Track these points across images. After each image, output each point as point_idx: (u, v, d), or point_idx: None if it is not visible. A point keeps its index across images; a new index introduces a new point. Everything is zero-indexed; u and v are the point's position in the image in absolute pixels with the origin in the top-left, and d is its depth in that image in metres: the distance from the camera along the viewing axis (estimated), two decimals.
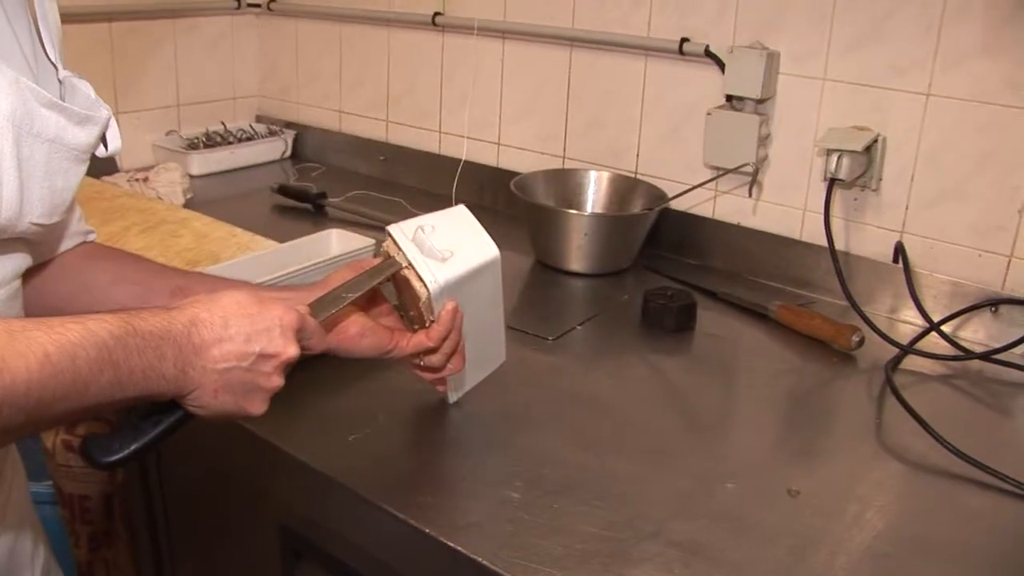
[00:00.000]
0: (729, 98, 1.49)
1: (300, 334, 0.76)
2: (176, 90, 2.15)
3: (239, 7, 2.22)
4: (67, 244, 0.89)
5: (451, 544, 0.81)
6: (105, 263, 0.91)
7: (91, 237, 0.93)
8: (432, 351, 0.92)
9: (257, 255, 1.27)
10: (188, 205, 1.76)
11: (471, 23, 1.82)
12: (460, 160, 1.87)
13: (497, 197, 1.85)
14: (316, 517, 0.97)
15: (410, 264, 0.88)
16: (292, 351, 0.75)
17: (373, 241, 1.30)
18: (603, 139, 1.70)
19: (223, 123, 2.20)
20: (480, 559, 0.79)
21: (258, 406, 0.76)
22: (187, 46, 2.15)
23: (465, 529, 0.83)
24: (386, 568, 0.91)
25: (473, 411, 1.04)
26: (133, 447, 0.73)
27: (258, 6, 2.25)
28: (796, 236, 1.49)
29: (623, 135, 1.67)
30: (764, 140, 1.47)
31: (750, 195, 1.51)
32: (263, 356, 0.73)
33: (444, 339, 0.91)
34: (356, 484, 0.89)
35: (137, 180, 1.75)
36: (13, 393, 0.58)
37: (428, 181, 1.95)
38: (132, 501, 1.31)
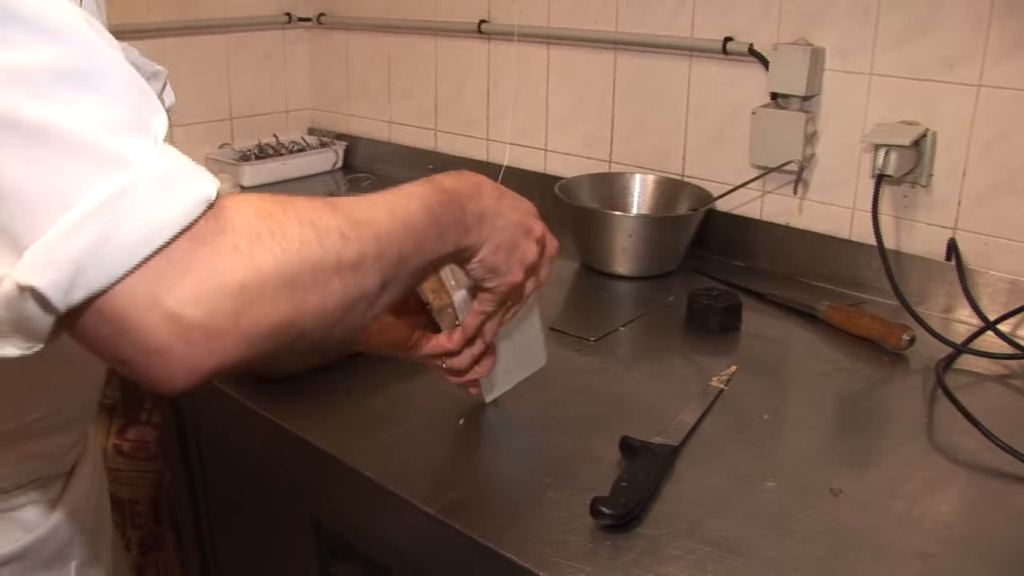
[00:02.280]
0: (774, 96, 1.46)
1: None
2: (228, 104, 2.19)
3: (290, 22, 2.26)
4: None
5: (482, 541, 0.80)
6: None
7: None
8: (453, 354, 0.90)
9: None
10: None
11: (514, 30, 1.82)
12: (508, 167, 1.87)
13: (544, 202, 1.84)
14: (352, 515, 0.98)
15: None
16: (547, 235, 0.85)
17: None
18: (649, 142, 1.69)
19: (275, 135, 2.24)
20: (511, 555, 0.78)
21: (519, 273, 0.81)
22: (239, 60, 2.19)
23: (498, 527, 0.82)
24: (419, 565, 0.91)
25: (510, 411, 1.03)
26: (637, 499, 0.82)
27: (309, 20, 2.28)
28: (845, 235, 1.46)
29: (669, 137, 1.65)
30: (810, 138, 1.45)
31: (795, 193, 1.48)
32: (526, 227, 0.81)
33: (466, 344, 0.89)
34: (390, 481, 0.89)
35: None
36: (379, 244, 0.60)
37: None
38: (178, 503, 1.33)
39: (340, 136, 2.29)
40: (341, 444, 0.95)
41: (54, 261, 0.46)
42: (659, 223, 1.51)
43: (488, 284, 0.80)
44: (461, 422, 1.00)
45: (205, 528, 1.29)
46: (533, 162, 1.89)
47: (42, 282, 0.46)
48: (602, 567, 0.77)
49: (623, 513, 0.80)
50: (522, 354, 1.01)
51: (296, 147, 2.22)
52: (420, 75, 2.08)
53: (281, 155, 2.16)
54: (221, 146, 2.17)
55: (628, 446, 0.91)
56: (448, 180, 0.73)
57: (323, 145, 2.25)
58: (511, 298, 0.84)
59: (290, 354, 0.62)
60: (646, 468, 0.86)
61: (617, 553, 0.79)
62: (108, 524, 0.97)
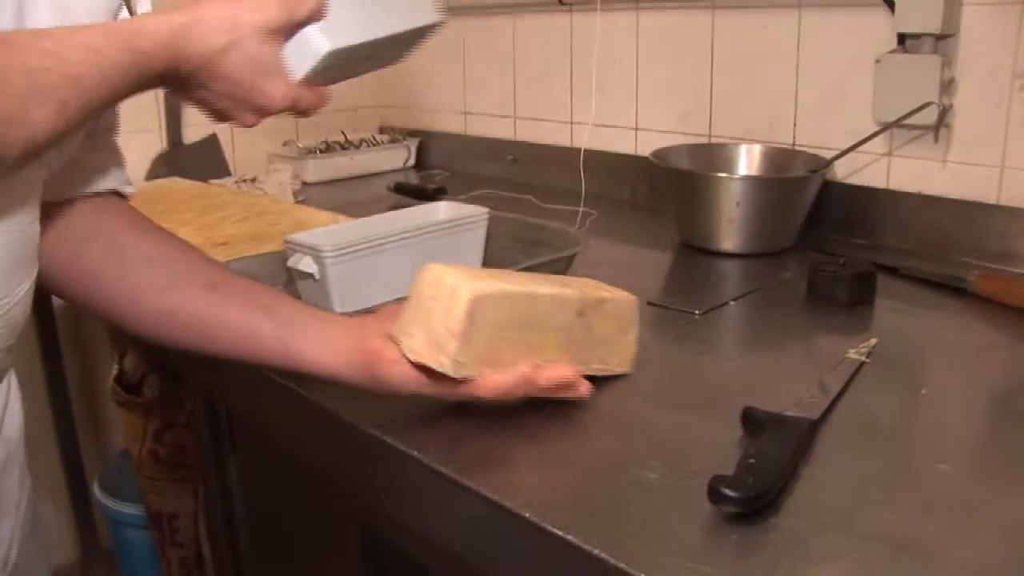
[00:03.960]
0: (902, 39, 1.25)
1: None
2: None
3: None
4: (97, 183, 0.76)
5: (562, 535, 0.61)
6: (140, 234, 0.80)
7: (128, 190, 0.81)
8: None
9: (360, 221, 1.13)
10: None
11: None
12: (593, 151, 1.69)
13: (637, 189, 1.67)
14: (407, 517, 0.79)
15: None
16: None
17: (486, 210, 1.14)
18: (755, 110, 1.49)
19: (343, 132, 2.10)
20: (603, 554, 0.59)
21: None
22: None
23: (588, 521, 0.63)
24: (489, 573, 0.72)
25: (597, 391, 0.84)
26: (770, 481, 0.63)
27: None
28: (992, 200, 1.23)
29: (778, 103, 1.45)
30: (947, 86, 1.23)
31: (936, 141, 1.26)
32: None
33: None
34: (459, 471, 0.70)
35: (245, 181, 1.65)
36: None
37: (561, 177, 1.77)
38: (213, 514, 1.17)
39: (413, 133, 2.14)
40: (398, 430, 0.77)
41: None
42: (771, 186, 1.29)
43: None
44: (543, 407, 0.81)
45: (243, 538, 1.12)
46: (623, 143, 1.70)
47: None
48: (726, 568, 0.57)
49: (753, 497, 0.60)
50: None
51: (365, 145, 2.08)
52: (498, 59, 1.92)
53: (347, 151, 2.02)
54: (285, 143, 2.04)
55: (753, 419, 0.71)
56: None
57: (394, 142, 2.10)
58: None
59: None
60: (779, 444, 0.66)
61: (746, 550, 0.59)
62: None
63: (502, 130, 1.95)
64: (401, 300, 0.75)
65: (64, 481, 1.90)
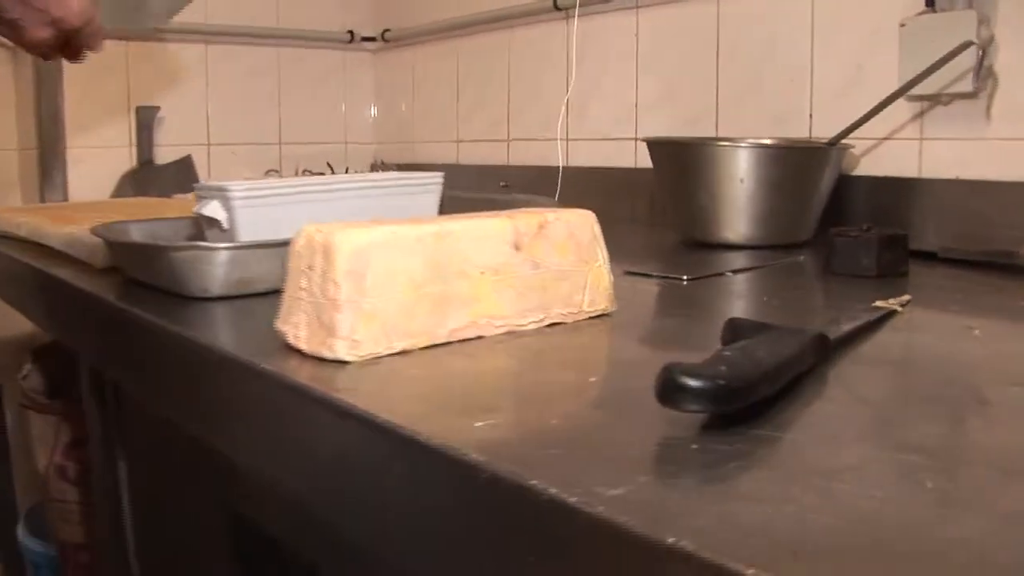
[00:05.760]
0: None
1: None
2: (278, 126, 1.94)
3: (352, 40, 2.01)
4: None
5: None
6: None
7: None
8: None
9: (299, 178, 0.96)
10: None
11: None
12: (590, 168, 1.53)
13: (636, 204, 1.50)
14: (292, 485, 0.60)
15: None
16: None
17: (440, 173, 0.98)
18: (766, 104, 1.33)
19: (329, 165, 1.96)
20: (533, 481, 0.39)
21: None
22: (293, 79, 1.94)
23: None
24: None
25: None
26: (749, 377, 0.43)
27: (373, 40, 2.03)
28: None
29: (791, 92, 1.29)
30: (986, 46, 1.06)
31: (984, 111, 1.08)
32: None
33: None
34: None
35: None
36: None
37: (555, 197, 1.61)
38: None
39: (404, 167, 2.00)
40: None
41: None
42: (783, 158, 1.10)
43: None
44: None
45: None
46: (623, 157, 1.54)
47: None
48: (687, 487, 0.37)
49: (724, 390, 0.40)
50: None
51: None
52: (492, 77, 1.79)
53: None
54: (267, 172, 1.90)
55: (738, 329, 0.52)
56: None
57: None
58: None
59: None
60: (770, 347, 0.47)
61: (717, 459, 0.39)
62: None
63: (495, 155, 1.80)
64: None
65: None
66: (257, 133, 1.91)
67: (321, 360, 0.54)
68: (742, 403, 0.41)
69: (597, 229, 0.66)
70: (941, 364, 0.56)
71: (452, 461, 0.38)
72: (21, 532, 1.44)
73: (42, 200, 1.68)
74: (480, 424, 0.43)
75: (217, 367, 0.60)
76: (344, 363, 0.53)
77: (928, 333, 0.66)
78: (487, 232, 0.59)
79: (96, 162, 1.68)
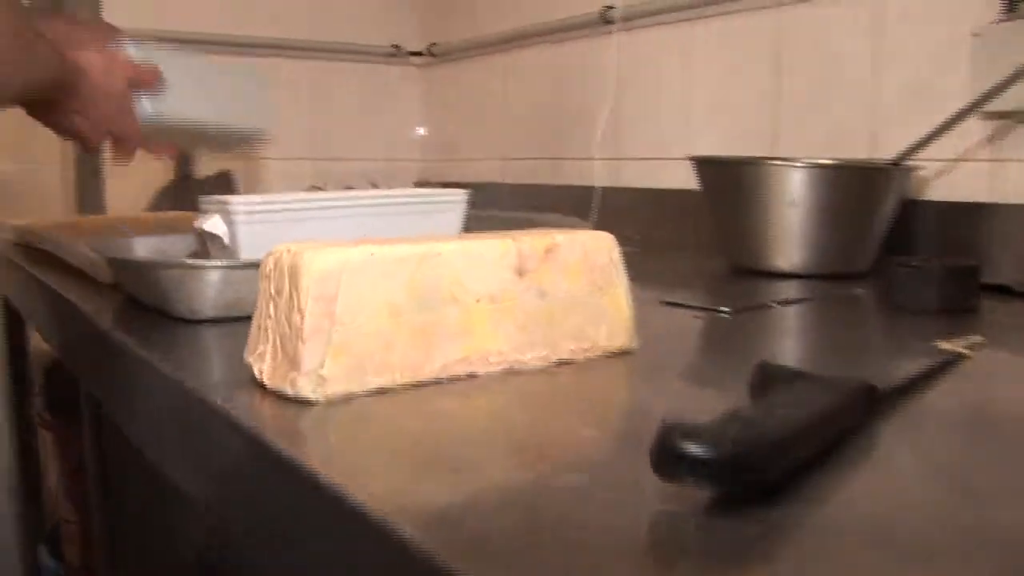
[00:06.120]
0: (1011, 4, 1.00)
1: None
2: (322, 142, 1.89)
3: (397, 55, 1.96)
4: None
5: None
6: None
7: None
8: None
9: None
10: None
11: (648, 7, 1.44)
12: (640, 188, 1.45)
13: (684, 228, 1.41)
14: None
15: None
16: None
17: (464, 191, 0.91)
18: (827, 123, 1.23)
19: (372, 184, 1.91)
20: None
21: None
22: (337, 93, 1.90)
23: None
24: None
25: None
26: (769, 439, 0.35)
27: (420, 54, 1.98)
28: None
29: (854, 110, 1.20)
30: None
31: None
32: None
33: None
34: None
35: None
36: None
37: (602, 218, 1.53)
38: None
39: (448, 185, 1.94)
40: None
41: None
42: (839, 179, 1.01)
43: None
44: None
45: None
46: (670, 177, 1.46)
47: None
48: None
49: (731, 458, 0.32)
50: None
51: None
52: (539, 93, 1.72)
53: None
54: (309, 188, 1.85)
55: (767, 376, 0.44)
56: None
57: None
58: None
59: None
60: (797, 400, 0.38)
61: (723, 547, 0.31)
62: None
63: (541, 174, 1.73)
64: None
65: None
66: (300, 148, 1.86)
67: (283, 398, 0.47)
68: (756, 476, 0.33)
69: (616, 253, 0.59)
70: (1017, 428, 0.47)
71: (382, 534, 0.31)
72: (41, 551, 1.40)
73: (81, 213, 1.66)
74: (437, 487, 0.35)
75: (185, 400, 0.54)
76: (309, 403, 0.46)
77: (1004, 382, 0.57)
78: (483, 254, 0.52)
79: (135, 175, 1.65)
